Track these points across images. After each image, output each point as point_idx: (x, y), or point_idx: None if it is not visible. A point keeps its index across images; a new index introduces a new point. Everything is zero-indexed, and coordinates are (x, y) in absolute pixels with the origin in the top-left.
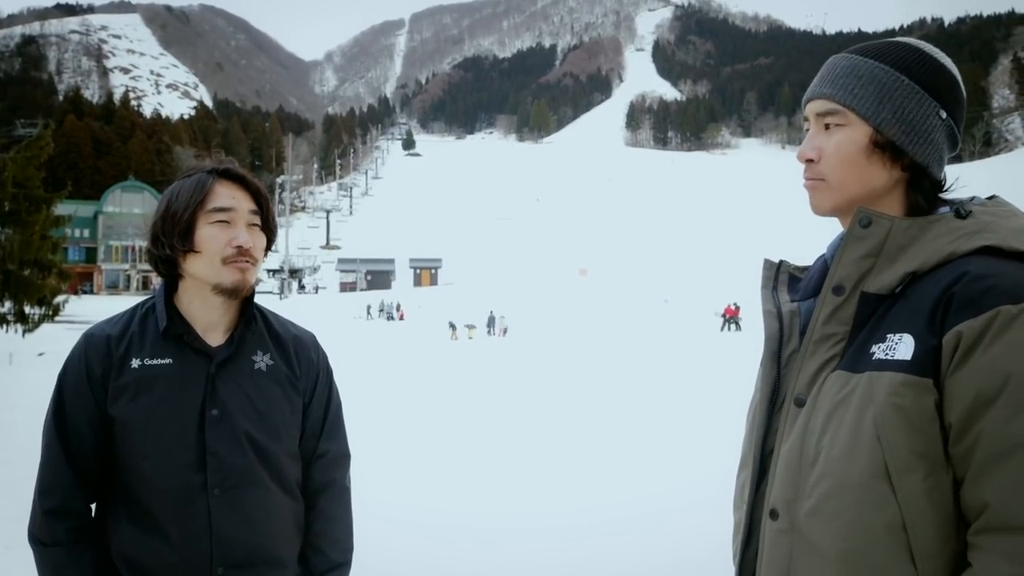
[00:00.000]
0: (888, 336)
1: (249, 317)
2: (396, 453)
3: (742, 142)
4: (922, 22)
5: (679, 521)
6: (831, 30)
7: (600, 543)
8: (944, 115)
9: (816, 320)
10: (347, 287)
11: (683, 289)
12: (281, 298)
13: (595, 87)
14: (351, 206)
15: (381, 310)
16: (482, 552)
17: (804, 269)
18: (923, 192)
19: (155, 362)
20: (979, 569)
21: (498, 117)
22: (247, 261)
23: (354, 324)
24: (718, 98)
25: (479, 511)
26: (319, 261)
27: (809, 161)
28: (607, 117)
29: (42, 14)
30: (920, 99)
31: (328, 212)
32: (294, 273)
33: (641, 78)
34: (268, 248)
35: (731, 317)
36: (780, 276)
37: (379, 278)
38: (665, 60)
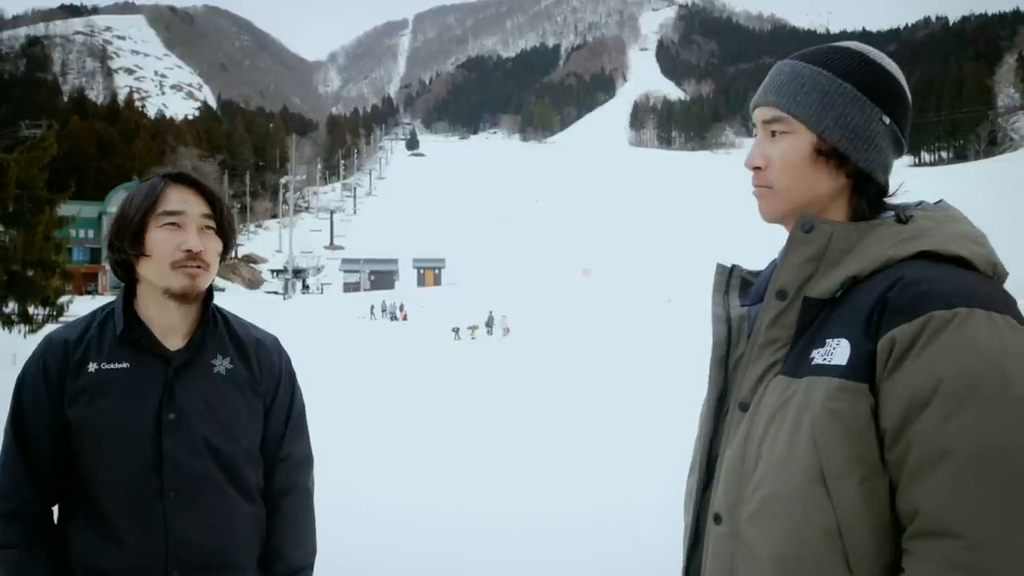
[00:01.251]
0: (827, 341)
1: (207, 320)
2: (389, 453)
3: (746, 141)
4: (927, 20)
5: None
6: (835, 29)
7: (600, 543)
8: (888, 120)
9: (760, 325)
10: (351, 287)
11: (687, 289)
12: (284, 298)
13: (599, 87)
14: (355, 206)
15: (384, 310)
16: (477, 552)
17: (757, 273)
18: (867, 198)
19: (112, 366)
20: (911, 574)
21: (502, 117)
22: (197, 265)
23: (357, 324)
24: (722, 98)
25: (471, 511)
26: (323, 261)
27: (756, 169)
28: (611, 117)
29: (47, 15)
30: (862, 105)
31: (332, 212)
32: (298, 273)
33: (645, 78)
34: (225, 252)
35: None
36: (732, 281)
37: (382, 278)
38: (669, 60)
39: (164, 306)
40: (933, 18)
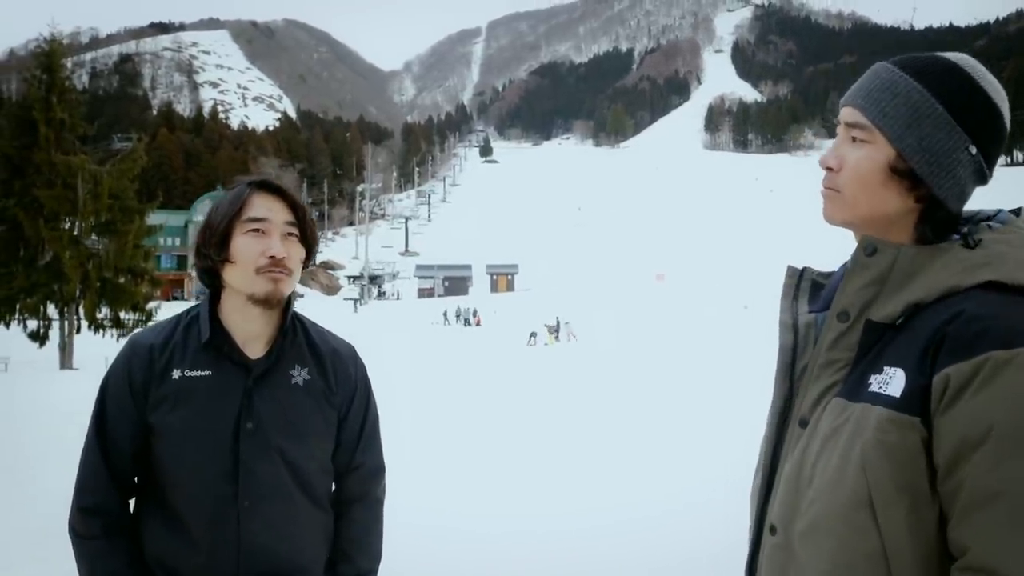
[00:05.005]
0: (885, 368)
1: (287, 329)
2: (453, 459)
3: (826, 143)
4: (1020, 13)
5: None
6: (920, 25)
7: (641, 539)
8: (974, 151)
9: (821, 345)
10: (425, 293)
11: (763, 295)
12: (360, 304)
13: (673, 90)
14: (429, 213)
15: (458, 316)
16: (515, 554)
17: (830, 275)
18: (933, 224)
19: (195, 374)
20: None
21: (575, 122)
22: (281, 271)
23: (431, 330)
24: (800, 99)
25: (516, 514)
26: (398, 268)
27: (829, 169)
28: (685, 120)
29: (137, 33)
30: (950, 131)
31: (407, 219)
32: (374, 280)
33: (720, 80)
34: (308, 259)
35: None
36: (803, 284)
37: (456, 284)
38: (745, 61)
39: (247, 312)
40: None
